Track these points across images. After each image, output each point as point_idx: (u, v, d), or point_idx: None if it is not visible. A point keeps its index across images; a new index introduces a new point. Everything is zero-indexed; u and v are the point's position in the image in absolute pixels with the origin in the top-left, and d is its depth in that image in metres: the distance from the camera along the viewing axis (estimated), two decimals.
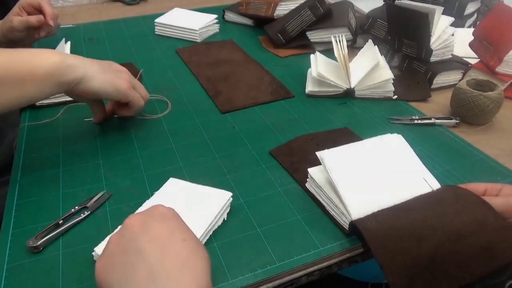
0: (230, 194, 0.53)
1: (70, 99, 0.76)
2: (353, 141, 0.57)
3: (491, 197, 0.47)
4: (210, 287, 0.35)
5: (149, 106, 0.73)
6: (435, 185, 0.52)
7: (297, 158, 0.62)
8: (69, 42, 0.87)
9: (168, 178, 0.56)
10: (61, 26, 1.11)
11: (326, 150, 0.53)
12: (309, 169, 0.54)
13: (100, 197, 0.55)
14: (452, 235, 0.42)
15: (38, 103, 0.75)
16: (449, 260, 0.42)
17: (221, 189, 0.54)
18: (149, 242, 0.36)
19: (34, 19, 0.83)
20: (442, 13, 0.81)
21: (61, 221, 0.51)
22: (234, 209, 0.53)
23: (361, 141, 0.57)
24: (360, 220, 0.46)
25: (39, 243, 0.47)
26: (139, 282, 0.33)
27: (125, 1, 1.32)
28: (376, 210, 0.47)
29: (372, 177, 0.51)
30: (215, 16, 1.10)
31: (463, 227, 0.43)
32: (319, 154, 0.52)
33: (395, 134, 0.57)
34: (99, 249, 0.46)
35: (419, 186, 0.51)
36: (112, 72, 0.63)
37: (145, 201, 0.53)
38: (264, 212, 0.53)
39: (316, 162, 0.53)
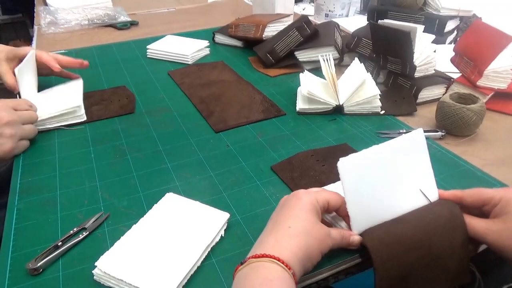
0: (227, 215, 0.54)
1: (64, 123, 0.78)
2: None
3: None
4: (294, 264, 0.41)
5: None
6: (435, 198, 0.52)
7: (298, 173, 0.64)
8: (81, 81, 0.89)
9: None
10: (53, 52, 1.13)
11: (348, 157, 0.46)
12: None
13: (98, 218, 0.56)
14: (433, 255, 0.45)
15: None
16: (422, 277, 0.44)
17: (218, 206, 0.56)
18: (273, 221, 0.47)
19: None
20: (423, 31, 0.85)
21: (60, 243, 0.51)
22: (231, 226, 0.55)
23: (383, 144, 0.48)
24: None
25: (38, 265, 0.48)
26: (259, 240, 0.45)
27: (116, 26, 1.35)
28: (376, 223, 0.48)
29: (382, 190, 0.48)
30: (207, 42, 1.13)
31: (442, 250, 0.45)
32: (340, 162, 0.46)
33: (419, 130, 0.50)
34: (100, 264, 0.46)
35: (422, 200, 0.51)
36: None
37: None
38: (261, 228, 0.53)
39: (315, 177, 0.54)
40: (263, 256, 0.40)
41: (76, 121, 0.79)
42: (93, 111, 0.83)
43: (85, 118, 0.80)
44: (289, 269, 0.40)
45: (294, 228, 0.43)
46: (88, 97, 0.87)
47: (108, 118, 0.81)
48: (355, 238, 0.47)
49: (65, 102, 0.78)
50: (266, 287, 0.38)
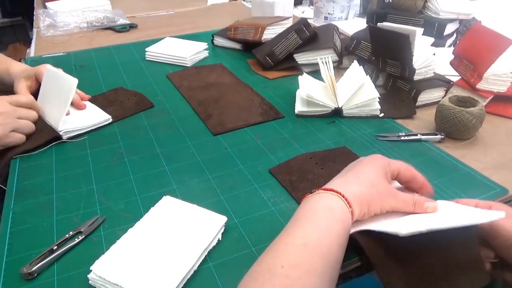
0: (225, 218, 0.54)
1: (94, 127, 0.78)
2: (351, 160, 0.52)
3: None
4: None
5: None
6: None
7: (296, 177, 0.63)
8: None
9: None
10: (52, 55, 1.13)
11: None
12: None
13: (94, 221, 0.55)
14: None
15: None
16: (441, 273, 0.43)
17: (215, 209, 0.55)
18: (346, 170, 0.51)
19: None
20: (423, 34, 0.85)
21: (56, 247, 0.51)
22: (228, 229, 0.54)
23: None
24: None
25: (33, 269, 0.47)
26: None
27: (115, 28, 1.35)
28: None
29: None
30: (206, 45, 1.13)
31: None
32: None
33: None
34: (95, 268, 0.46)
35: None
36: None
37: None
38: (258, 231, 0.54)
39: (314, 180, 0.53)
40: (330, 190, 0.46)
41: (104, 123, 0.80)
42: (111, 112, 0.82)
43: (111, 120, 0.81)
44: (350, 206, 0.44)
45: (361, 178, 0.47)
46: (94, 101, 0.86)
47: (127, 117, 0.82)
48: (430, 204, 0.48)
49: (92, 116, 0.80)
50: (328, 211, 0.43)
